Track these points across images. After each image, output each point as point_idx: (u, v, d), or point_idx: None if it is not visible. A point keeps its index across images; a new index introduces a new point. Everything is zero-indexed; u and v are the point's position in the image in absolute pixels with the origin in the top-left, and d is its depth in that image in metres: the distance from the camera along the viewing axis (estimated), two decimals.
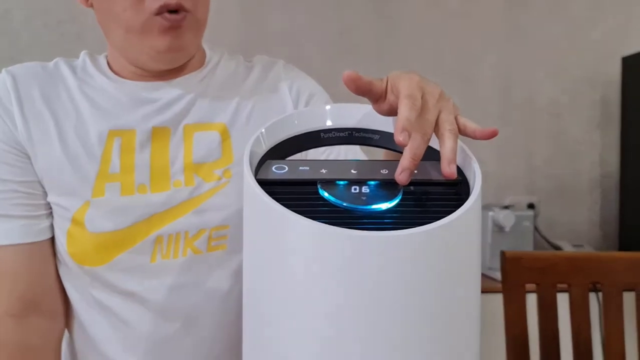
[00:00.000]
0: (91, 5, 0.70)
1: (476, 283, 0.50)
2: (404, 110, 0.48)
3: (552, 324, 1.05)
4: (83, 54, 0.75)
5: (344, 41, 1.87)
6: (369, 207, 0.48)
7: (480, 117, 1.88)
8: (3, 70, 0.71)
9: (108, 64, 0.74)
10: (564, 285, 1.06)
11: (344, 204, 0.48)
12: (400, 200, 0.49)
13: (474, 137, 0.54)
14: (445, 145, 0.50)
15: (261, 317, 0.48)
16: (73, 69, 0.73)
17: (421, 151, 0.48)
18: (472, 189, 0.50)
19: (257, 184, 0.47)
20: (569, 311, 1.06)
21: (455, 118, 0.53)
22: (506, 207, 1.74)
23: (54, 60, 0.74)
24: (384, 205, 0.48)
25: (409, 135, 0.47)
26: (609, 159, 2.02)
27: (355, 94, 0.54)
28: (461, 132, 0.53)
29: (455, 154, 0.50)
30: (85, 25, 1.73)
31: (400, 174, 0.48)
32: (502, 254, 1.05)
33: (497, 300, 1.13)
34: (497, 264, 1.10)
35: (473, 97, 1.92)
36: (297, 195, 0.48)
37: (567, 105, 2.00)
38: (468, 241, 0.48)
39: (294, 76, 0.79)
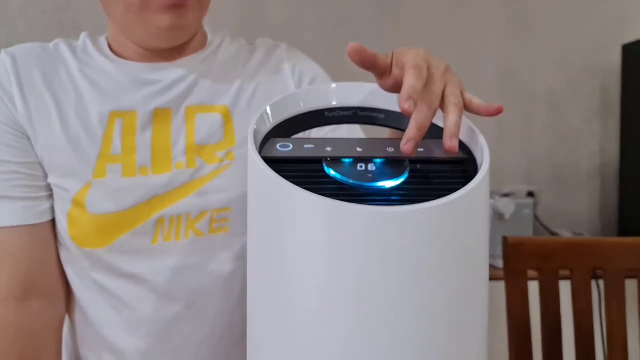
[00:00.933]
0: None
1: (484, 260, 0.49)
2: (409, 78, 0.47)
3: (554, 310, 1.05)
4: (83, 35, 0.74)
5: (343, 30, 1.86)
6: (375, 184, 0.48)
7: None
8: (2, 51, 0.70)
9: (109, 45, 0.73)
10: (566, 273, 1.05)
11: (350, 181, 0.48)
12: (407, 178, 0.49)
13: (479, 113, 0.53)
14: (449, 118, 0.49)
15: (267, 297, 0.47)
16: (73, 50, 0.72)
17: (427, 122, 0.48)
18: (480, 165, 0.49)
19: (262, 160, 0.46)
20: (571, 298, 1.06)
21: (462, 93, 0.52)
22: (506, 195, 1.74)
23: (54, 42, 0.73)
24: (391, 183, 0.48)
25: (415, 104, 0.46)
26: (608, 148, 2.02)
27: (360, 67, 0.53)
28: (466, 107, 0.52)
29: (459, 128, 0.49)
30: (82, 13, 1.71)
31: (406, 144, 0.47)
32: (504, 239, 1.04)
33: (499, 287, 1.12)
34: (497, 251, 1.10)
35: (472, 86, 1.89)
36: (303, 173, 0.47)
37: (566, 94, 1.99)
38: (477, 217, 0.47)
39: (296, 59, 0.79)
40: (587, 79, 1.99)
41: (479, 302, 0.48)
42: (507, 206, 1.66)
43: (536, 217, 1.81)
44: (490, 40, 1.95)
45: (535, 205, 1.78)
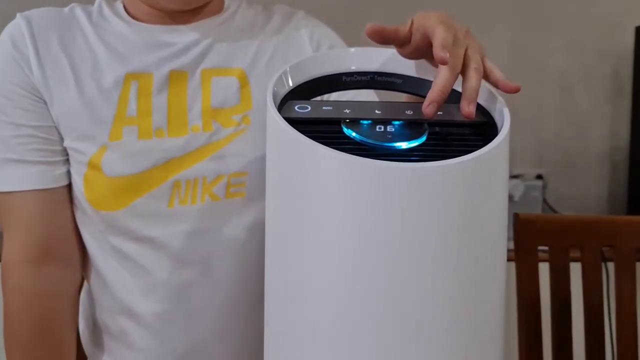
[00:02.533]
0: None
1: (502, 223, 0.50)
2: (440, 32, 0.47)
3: (564, 288, 1.05)
4: (99, 0, 0.74)
5: (353, 10, 1.85)
6: (394, 144, 0.48)
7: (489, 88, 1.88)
8: (18, 15, 0.70)
9: (125, 8, 0.73)
10: (577, 255, 1.05)
11: (370, 141, 0.48)
12: (426, 139, 0.49)
13: (496, 86, 0.53)
14: (469, 83, 0.49)
15: (286, 254, 0.48)
16: (88, 14, 0.72)
17: (451, 84, 0.48)
18: (500, 129, 0.49)
19: (282, 119, 0.47)
20: (581, 276, 1.06)
21: (482, 59, 0.52)
22: (515, 177, 1.74)
23: (69, 6, 0.73)
24: (410, 144, 0.48)
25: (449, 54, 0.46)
26: (619, 133, 2.01)
27: (381, 44, 0.53)
28: (485, 76, 0.52)
29: (477, 94, 0.49)
30: None
31: (428, 106, 0.47)
32: (515, 215, 1.04)
33: (510, 269, 1.12)
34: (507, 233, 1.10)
35: None
36: (322, 134, 0.47)
37: (577, 77, 1.98)
38: (496, 179, 0.47)
39: (314, 26, 0.78)
40: (599, 62, 1.97)
41: (497, 261, 0.48)
42: (516, 187, 1.66)
43: (544, 200, 1.81)
44: (501, 23, 1.93)
45: (544, 187, 1.78)
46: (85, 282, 0.76)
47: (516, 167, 1.90)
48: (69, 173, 0.70)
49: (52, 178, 0.69)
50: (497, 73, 0.52)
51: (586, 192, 2.01)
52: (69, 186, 0.71)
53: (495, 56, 1.86)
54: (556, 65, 1.96)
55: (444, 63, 0.46)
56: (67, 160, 0.70)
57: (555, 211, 1.85)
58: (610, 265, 1.09)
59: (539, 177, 1.88)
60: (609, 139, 2.01)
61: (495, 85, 0.53)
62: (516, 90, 0.51)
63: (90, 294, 0.76)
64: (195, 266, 0.70)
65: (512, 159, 1.91)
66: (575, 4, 1.95)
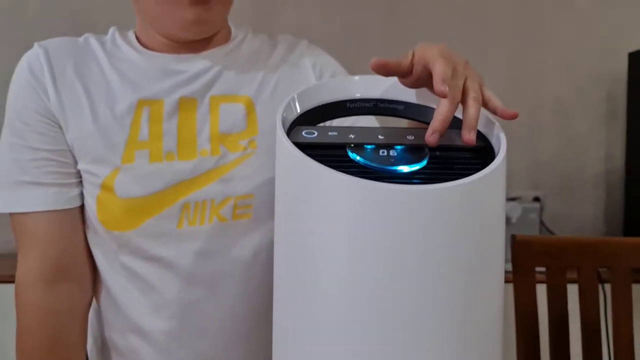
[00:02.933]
0: None
1: (500, 241, 0.52)
2: (440, 66, 0.50)
3: (562, 309, 1.07)
4: (112, 29, 0.78)
5: (352, 37, 1.89)
6: (396, 167, 0.50)
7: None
8: (35, 44, 0.73)
9: (137, 38, 0.76)
10: (574, 276, 1.07)
11: (373, 165, 0.50)
12: (427, 163, 0.51)
13: (495, 113, 0.56)
14: (469, 112, 0.52)
15: (295, 272, 0.50)
16: (102, 44, 0.75)
17: (451, 114, 0.50)
18: (497, 153, 0.52)
19: (291, 143, 0.49)
20: (578, 296, 1.08)
21: (480, 88, 0.55)
22: (512, 199, 1.76)
23: (84, 36, 0.77)
24: (412, 167, 0.50)
25: (448, 87, 0.49)
26: (614, 155, 2.04)
27: (385, 77, 0.56)
28: (484, 103, 0.55)
29: (477, 122, 0.52)
30: (98, 15, 1.75)
31: (431, 135, 0.50)
32: (512, 237, 1.06)
33: (507, 290, 1.14)
34: (505, 254, 1.12)
35: None
36: (328, 158, 0.49)
37: (573, 101, 2.02)
38: (493, 200, 0.50)
39: (317, 55, 0.82)
40: (594, 86, 2.02)
41: (495, 279, 0.50)
42: (513, 210, 1.68)
43: (542, 222, 1.83)
44: (497, 47, 1.97)
45: (541, 209, 1.81)
46: (94, 301, 0.78)
47: (513, 189, 1.93)
48: (82, 195, 0.73)
49: (66, 199, 0.71)
50: (495, 101, 0.55)
51: (583, 214, 2.03)
52: (82, 207, 0.73)
53: (492, 81, 1.91)
54: (552, 89, 2.00)
55: (444, 96, 0.50)
56: (81, 182, 0.72)
57: (552, 233, 1.87)
58: (607, 286, 1.11)
59: (536, 199, 1.91)
60: (605, 161, 2.04)
61: (494, 112, 0.55)
62: (514, 117, 0.54)
63: (98, 312, 0.78)
64: (202, 285, 0.72)
65: (509, 182, 1.94)
66: (569, 30, 2.00)
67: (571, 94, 2.01)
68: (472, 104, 0.52)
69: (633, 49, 1.90)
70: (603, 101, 2.02)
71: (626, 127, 1.98)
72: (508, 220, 1.69)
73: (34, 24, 1.74)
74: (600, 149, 2.03)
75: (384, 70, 0.54)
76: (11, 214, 0.72)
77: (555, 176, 2.02)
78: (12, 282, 0.73)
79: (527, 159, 2.00)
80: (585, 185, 2.03)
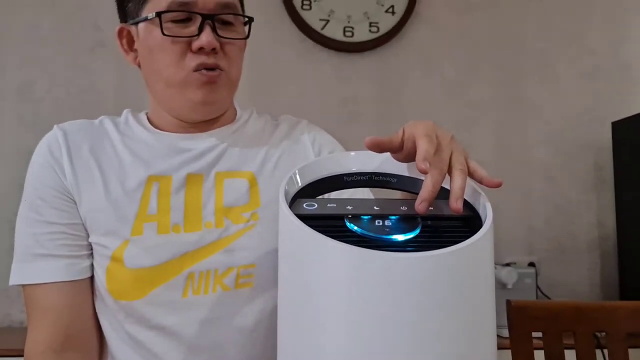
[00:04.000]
0: (138, 64, 0.80)
1: (490, 307, 0.55)
2: (423, 145, 0.55)
3: None
4: (125, 112, 0.84)
5: (347, 110, 1.98)
6: (391, 236, 0.54)
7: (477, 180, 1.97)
8: (55, 127, 0.79)
9: (148, 119, 0.83)
10: (571, 342, 1.08)
11: (370, 234, 0.54)
12: (420, 232, 0.55)
13: (481, 183, 0.60)
14: (455, 183, 0.56)
15: (298, 336, 0.52)
16: (116, 124, 0.81)
17: (438, 185, 0.55)
18: (485, 221, 0.56)
19: (293, 215, 0.53)
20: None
21: (466, 160, 0.59)
22: (507, 265, 1.78)
23: (99, 118, 0.83)
24: (406, 236, 0.54)
25: (430, 164, 0.53)
26: (605, 221, 2.08)
27: (379, 153, 0.61)
28: (470, 174, 0.60)
29: (463, 192, 0.56)
30: (105, 94, 1.84)
31: (420, 204, 0.54)
32: (508, 302, 1.09)
33: (505, 356, 1.15)
34: (502, 321, 1.13)
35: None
36: (328, 228, 0.53)
37: (561, 168, 2.08)
38: (482, 266, 0.53)
39: (316, 133, 0.88)
40: (581, 153, 2.09)
41: (487, 339, 0.53)
42: (509, 275, 1.70)
43: (538, 287, 1.85)
44: (485, 119, 2.05)
45: (536, 275, 1.83)
46: None
47: (508, 255, 1.96)
48: (92, 266, 0.76)
49: (78, 271, 0.74)
50: (480, 171, 0.60)
51: (579, 280, 2.05)
52: (92, 278, 0.76)
53: (481, 152, 1.99)
54: (540, 158, 2.07)
55: (425, 173, 0.54)
56: (91, 254, 0.76)
57: (549, 298, 1.88)
58: (605, 351, 1.12)
59: (532, 264, 1.93)
60: (597, 227, 2.08)
61: (480, 182, 0.60)
62: (498, 185, 0.59)
63: None
64: (206, 352, 0.73)
65: (504, 248, 1.98)
66: (554, 101, 2.09)
67: (560, 161, 2.08)
68: (458, 175, 0.56)
69: (616, 118, 1.99)
70: (591, 169, 2.09)
71: (615, 194, 2.03)
72: (504, 285, 1.71)
73: (43, 102, 1.82)
74: (591, 215, 2.08)
75: (378, 147, 0.59)
76: (23, 286, 0.74)
77: (549, 242, 2.05)
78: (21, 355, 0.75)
79: (521, 226, 2.04)
80: (579, 251, 2.06)
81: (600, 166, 2.08)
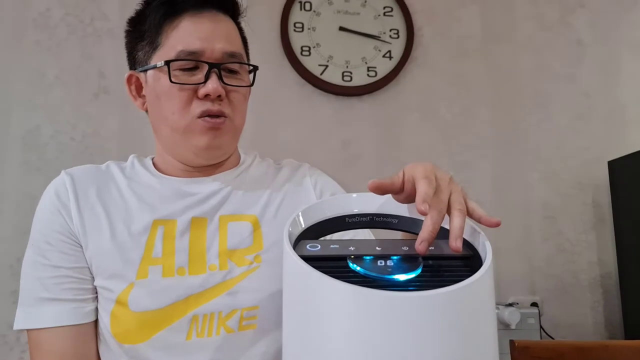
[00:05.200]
0: (146, 110, 0.82)
1: (493, 342, 0.55)
2: (422, 187, 0.57)
3: None
4: (131, 157, 0.86)
5: (346, 152, 2.00)
6: (393, 276, 0.55)
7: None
8: (62, 172, 0.81)
9: (154, 163, 0.85)
10: None
11: (372, 274, 0.55)
12: (421, 272, 0.56)
13: (479, 222, 0.62)
14: (454, 222, 0.57)
15: None
16: (122, 169, 0.83)
17: (438, 225, 0.56)
18: (484, 260, 0.57)
19: (297, 256, 0.54)
20: None
21: (465, 200, 0.61)
22: (510, 305, 1.77)
23: (106, 163, 0.85)
24: (407, 276, 0.55)
25: (429, 206, 0.55)
26: (606, 260, 2.08)
27: (380, 195, 0.63)
28: (469, 213, 0.61)
29: (462, 231, 0.57)
30: (109, 139, 1.86)
31: (420, 244, 0.55)
32: (512, 343, 1.08)
33: None
34: None
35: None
36: (331, 269, 0.54)
37: (560, 208, 2.09)
38: (483, 304, 0.54)
39: (318, 176, 0.90)
40: (579, 193, 2.10)
41: None
42: (512, 315, 1.69)
43: (541, 327, 1.83)
44: (483, 159, 2.08)
45: (540, 315, 1.82)
46: None
47: (511, 294, 1.95)
48: (96, 310, 0.76)
49: (83, 314, 0.75)
50: (479, 211, 0.61)
51: (583, 319, 2.03)
52: (96, 322, 0.77)
53: (480, 192, 2.00)
54: (538, 197, 2.08)
55: (424, 214, 0.56)
56: (96, 298, 0.77)
57: (552, 338, 1.86)
58: None
59: (534, 304, 1.92)
60: (598, 265, 2.07)
61: (478, 221, 0.61)
62: (497, 224, 0.60)
63: None
64: None
65: (505, 287, 1.97)
66: (550, 141, 2.12)
67: (558, 200, 2.09)
68: (457, 215, 0.58)
69: (612, 157, 2.02)
70: (589, 207, 2.10)
71: (614, 232, 2.04)
72: (507, 326, 1.70)
73: (48, 147, 1.85)
74: (591, 253, 2.08)
75: (380, 190, 0.61)
76: (28, 330, 0.75)
77: (551, 281, 2.04)
78: None
79: (522, 265, 2.03)
80: (581, 289, 2.05)
81: (598, 204, 2.10)
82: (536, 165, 2.10)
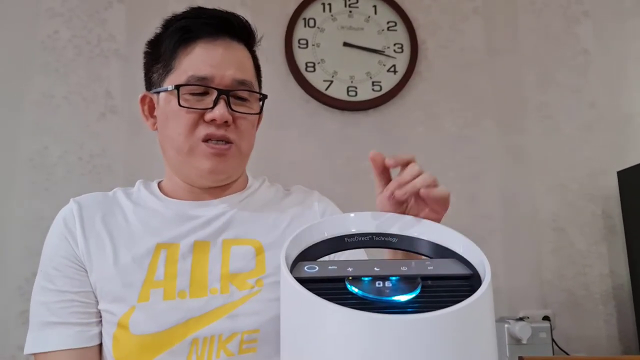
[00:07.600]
0: (157, 129, 0.84)
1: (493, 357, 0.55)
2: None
3: None
4: (138, 182, 0.88)
5: (352, 167, 2.00)
6: (391, 298, 0.55)
7: (486, 234, 1.97)
8: (71, 200, 0.83)
9: (161, 187, 0.85)
10: None
11: (371, 296, 0.55)
12: (420, 292, 0.56)
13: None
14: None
15: None
16: (128, 195, 0.85)
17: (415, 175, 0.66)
18: (483, 279, 0.56)
19: (294, 279, 0.54)
20: None
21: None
22: (521, 319, 1.75)
23: (113, 190, 0.87)
24: (406, 297, 0.55)
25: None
26: (618, 271, 2.05)
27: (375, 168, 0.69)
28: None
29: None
30: (116, 159, 1.88)
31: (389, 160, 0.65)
32: (520, 359, 1.07)
33: None
34: None
35: (478, 215, 2.01)
36: (328, 291, 0.54)
37: (570, 219, 2.07)
38: (483, 323, 0.53)
39: (327, 204, 0.91)
40: (588, 204, 2.08)
41: None
42: (523, 330, 1.66)
43: (554, 341, 1.80)
44: (491, 172, 2.07)
45: (551, 329, 1.79)
46: None
47: (521, 308, 1.92)
48: (100, 334, 0.77)
49: (87, 338, 0.75)
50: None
51: (596, 333, 2.00)
52: (100, 345, 0.77)
53: (488, 205, 1.97)
54: (547, 209, 2.06)
55: (390, 167, 0.66)
56: (100, 321, 0.77)
57: (566, 353, 1.83)
58: None
59: (546, 318, 1.89)
60: (610, 277, 2.04)
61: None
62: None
63: None
64: None
65: (516, 301, 1.95)
66: (557, 152, 2.10)
67: (567, 212, 2.07)
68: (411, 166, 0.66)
69: (621, 167, 2.00)
70: (599, 218, 2.08)
71: (626, 243, 2.01)
72: (519, 341, 1.67)
73: (55, 167, 1.86)
74: (603, 265, 2.05)
75: (378, 158, 0.68)
76: (35, 354, 0.75)
77: (562, 294, 2.01)
78: None
79: (532, 278, 2.01)
80: (593, 302, 2.02)
81: (608, 215, 2.07)
82: (544, 176, 2.09)
